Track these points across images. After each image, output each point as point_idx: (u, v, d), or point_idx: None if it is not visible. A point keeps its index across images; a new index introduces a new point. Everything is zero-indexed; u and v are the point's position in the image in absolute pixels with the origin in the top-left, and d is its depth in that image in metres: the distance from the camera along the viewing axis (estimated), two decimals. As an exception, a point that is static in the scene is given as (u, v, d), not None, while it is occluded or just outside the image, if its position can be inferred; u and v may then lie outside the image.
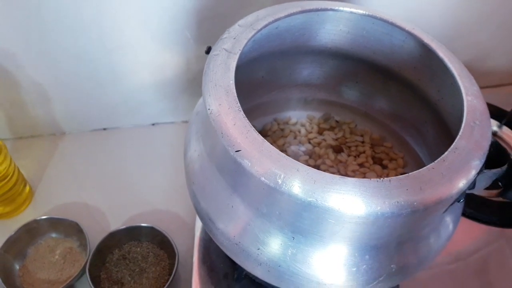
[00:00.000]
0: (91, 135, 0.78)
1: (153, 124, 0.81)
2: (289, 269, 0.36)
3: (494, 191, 0.61)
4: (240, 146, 0.32)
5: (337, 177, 0.31)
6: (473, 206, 0.58)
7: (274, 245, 0.36)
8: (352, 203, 0.30)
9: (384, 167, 0.53)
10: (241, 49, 0.38)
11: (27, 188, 0.68)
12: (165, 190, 0.70)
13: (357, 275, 0.36)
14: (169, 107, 0.78)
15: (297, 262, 0.35)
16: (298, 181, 0.30)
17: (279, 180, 0.31)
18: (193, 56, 0.70)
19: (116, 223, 0.65)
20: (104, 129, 0.79)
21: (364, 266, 0.35)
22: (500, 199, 0.60)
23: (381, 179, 0.31)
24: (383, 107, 0.55)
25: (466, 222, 0.58)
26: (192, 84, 0.74)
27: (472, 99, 0.38)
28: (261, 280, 0.48)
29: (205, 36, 0.67)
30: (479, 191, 0.61)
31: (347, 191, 0.30)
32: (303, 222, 0.33)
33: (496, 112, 0.69)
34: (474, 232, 0.58)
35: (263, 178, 0.31)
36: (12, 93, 0.69)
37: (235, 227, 0.37)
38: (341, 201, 0.30)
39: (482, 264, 0.55)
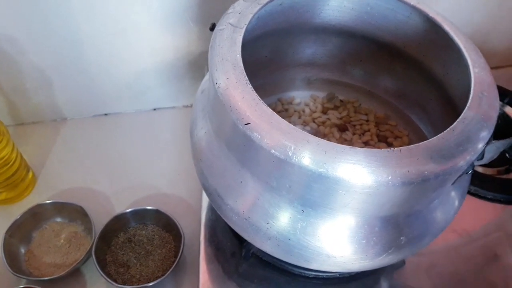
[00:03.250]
0: (93, 120, 0.78)
1: (154, 109, 0.80)
2: (299, 243, 0.36)
3: (499, 169, 0.61)
4: (249, 119, 0.32)
5: (347, 147, 0.31)
6: (477, 184, 0.58)
7: (284, 219, 0.36)
8: (362, 173, 0.30)
9: (389, 144, 0.53)
10: (246, 23, 0.37)
11: (30, 173, 0.68)
12: (168, 174, 0.70)
13: (367, 247, 0.36)
14: (170, 92, 0.78)
15: (306, 235, 0.35)
16: (308, 152, 0.30)
17: (289, 152, 0.31)
18: (194, 39, 0.69)
19: (121, 207, 0.65)
20: (106, 114, 0.79)
21: (374, 238, 0.36)
22: (504, 176, 0.61)
23: (392, 149, 0.31)
24: (388, 85, 0.55)
25: (471, 200, 0.58)
26: (193, 67, 0.74)
27: (479, 71, 0.38)
28: (268, 257, 0.49)
29: (205, 17, 0.67)
30: (484, 169, 0.62)
31: (358, 161, 0.30)
32: (313, 194, 0.33)
33: (498, 91, 0.69)
34: (478, 209, 0.58)
35: (273, 151, 0.31)
36: (14, 79, 0.68)
37: (244, 202, 0.37)
38: (351, 171, 0.30)
39: (487, 241, 0.55)
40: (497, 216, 0.58)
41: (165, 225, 0.61)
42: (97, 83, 0.73)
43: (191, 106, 0.81)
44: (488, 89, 0.37)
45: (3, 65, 0.66)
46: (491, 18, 0.78)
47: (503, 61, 0.87)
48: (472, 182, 0.57)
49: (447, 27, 0.42)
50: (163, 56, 0.72)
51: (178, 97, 0.80)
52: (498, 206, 0.58)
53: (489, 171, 0.61)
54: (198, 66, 0.74)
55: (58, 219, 0.63)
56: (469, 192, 0.59)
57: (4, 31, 0.61)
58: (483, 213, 0.58)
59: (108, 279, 0.54)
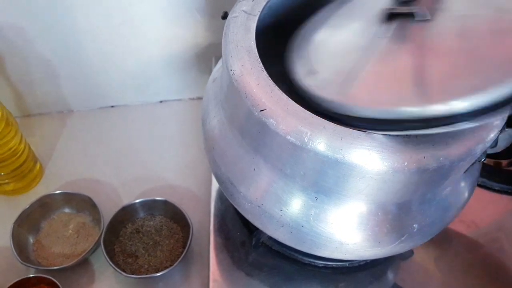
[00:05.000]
0: (99, 112, 0.78)
1: (160, 102, 0.81)
2: (312, 230, 0.36)
3: (506, 161, 0.62)
4: (264, 105, 0.32)
5: (363, 133, 0.31)
6: (485, 175, 0.59)
7: (297, 206, 0.36)
8: (378, 159, 0.30)
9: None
10: (260, 10, 0.37)
11: (38, 165, 0.68)
12: (175, 165, 0.70)
13: (380, 234, 0.36)
14: (177, 84, 0.78)
15: (320, 222, 0.36)
16: (324, 138, 0.30)
17: (305, 138, 0.31)
18: (201, 30, 0.69)
19: (128, 198, 0.65)
20: (112, 106, 0.79)
21: (387, 225, 0.36)
22: (511, 168, 0.61)
23: (408, 135, 0.31)
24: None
25: (478, 191, 0.58)
26: (200, 59, 0.74)
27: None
28: (278, 247, 0.49)
29: (212, 9, 0.66)
30: (490, 161, 0.62)
31: (374, 147, 0.30)
32: (328, 181, 0.33)
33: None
34: (486, 201, 0.58)
35: (289, 137, 0.31)
36: (21, 69, 0.68)
37: (258, 190, 0.37)
38: (367, 157, 0.30)
39: (494, 231, 0.55)
40: (504, 207, 0.58)
41: (173, 216, 0.61)
42: (102, 74, 0.73)
43: (197, 98, 0.81)
44: (502, 78, 0.36)
45: (10, 55, 0.66)
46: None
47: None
48: (480, 174, 0.58)
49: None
50: (169, 48, 0.72)
51: (184, 90, 0.80)
52: (505, 197, 0.58)
53: (496, 163, 0.62)
54: (205, 58, 0.74)
55: (67, 210, 0.63)
56: (477, 184, 0.59)
57: (10, 19, 0.61)
58: (490, 204, 0.58)
59: (116, 268, 0.54)
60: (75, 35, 0.66)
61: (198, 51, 0.72)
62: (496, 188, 0.59)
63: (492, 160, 0.62)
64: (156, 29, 0.68)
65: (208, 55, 0.73)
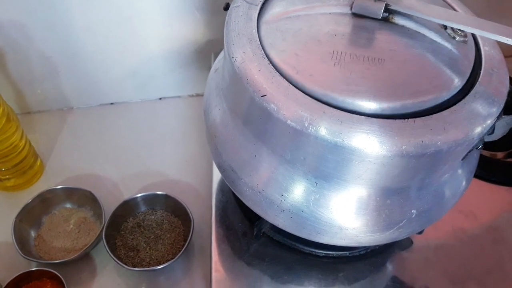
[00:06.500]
0: (99, 109, 0.78)
1: (160, 99, 0.81)
2: (312, 215, 0.36)
3: (502, 153, 0.62)
4: (266, 91, 0.33)
5: (363, 117, 0.31)
6: (482, 167, 0.59)
7: (297, 192, 0.36)
8: (378, 142, 0.31)
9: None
10: (262, 0, 0.38)
11: (38, 161, 0.68)
12: (175, 161, 0.71)
13: (379, 219, 0.36)
14: (176, 81, 0.79)
15: (320, 207, 0.36)
16: (324, 122, 0.31)
17: (305, 123, 0.31)
18: (200, 27, 0.70)
19: (129, 193, 0.65)
20: (112, 103, 0.79)
21: (386, 210, 0.36)
22: (509, 160, 0.62)
23: (406, 119, 0.31)
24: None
25: (476, 182, 0.59)
26: (199, 56, 0.75)
27: (489, 49, 0.39)
28: (279, 237, 0.50)
29: (211, 6, 0.67)
30: (488, 153, 0.62)
31: (373, 131, 0.31)
32: (327, 165, 0.34)
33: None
34: (484, 191, 0.59)
35: (289, 121, 0.32)
36: (21, 67, 0.69)
37: (259, 176, 0.37)
38: (367, 140, 0.31)
39: (492, 222, 0.56)
40: (502, 198, 0.59)
41: (174, 210, 0.62)
42: (102, 71, 0.73)
43: (197, 95, 0.82)
44: (498, 66, 0.37)
45: (11, 53, 0.66)
46: (494, 8, 0.79)
47: (508, 51, 0.88)
48: (478, 166, 0.58)
49: (455, 6, 0.42)
50: (169, 45, 0.72)
51: (184, 87, 0.80)
52: (503, 188, 0.59)
53: (493, 154, 0.62)
54: (204, 54, 0.74)
55: (68, 205, 0.63)
56: (475, 176, 0.59)
57: (12, 17, 0.62)
58: (488, 195, 0.59)
59: (118, 261, 0.54)
60: (76, 33, 0.66)
61: (197, 48, 0.73)
62: (494, 179, 0.60)
63: (489, 152, 0.63)
64: (155, 26, 0.69)
65: (207, 52, 0.74)
